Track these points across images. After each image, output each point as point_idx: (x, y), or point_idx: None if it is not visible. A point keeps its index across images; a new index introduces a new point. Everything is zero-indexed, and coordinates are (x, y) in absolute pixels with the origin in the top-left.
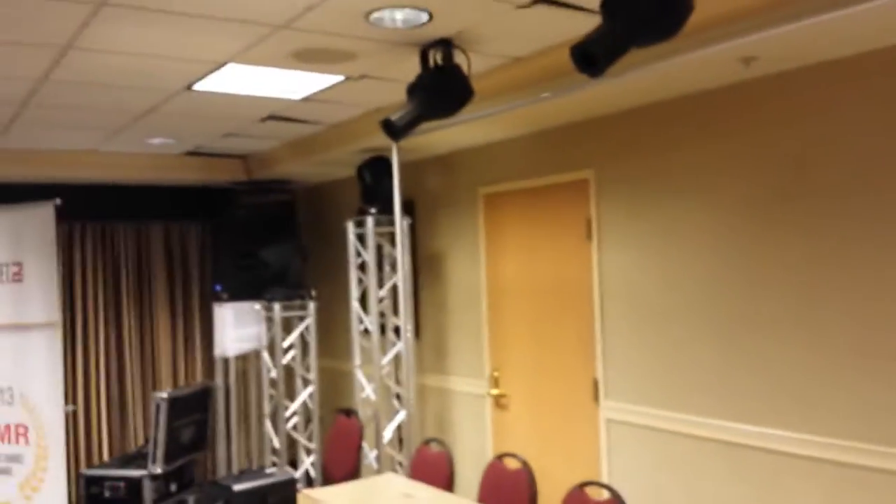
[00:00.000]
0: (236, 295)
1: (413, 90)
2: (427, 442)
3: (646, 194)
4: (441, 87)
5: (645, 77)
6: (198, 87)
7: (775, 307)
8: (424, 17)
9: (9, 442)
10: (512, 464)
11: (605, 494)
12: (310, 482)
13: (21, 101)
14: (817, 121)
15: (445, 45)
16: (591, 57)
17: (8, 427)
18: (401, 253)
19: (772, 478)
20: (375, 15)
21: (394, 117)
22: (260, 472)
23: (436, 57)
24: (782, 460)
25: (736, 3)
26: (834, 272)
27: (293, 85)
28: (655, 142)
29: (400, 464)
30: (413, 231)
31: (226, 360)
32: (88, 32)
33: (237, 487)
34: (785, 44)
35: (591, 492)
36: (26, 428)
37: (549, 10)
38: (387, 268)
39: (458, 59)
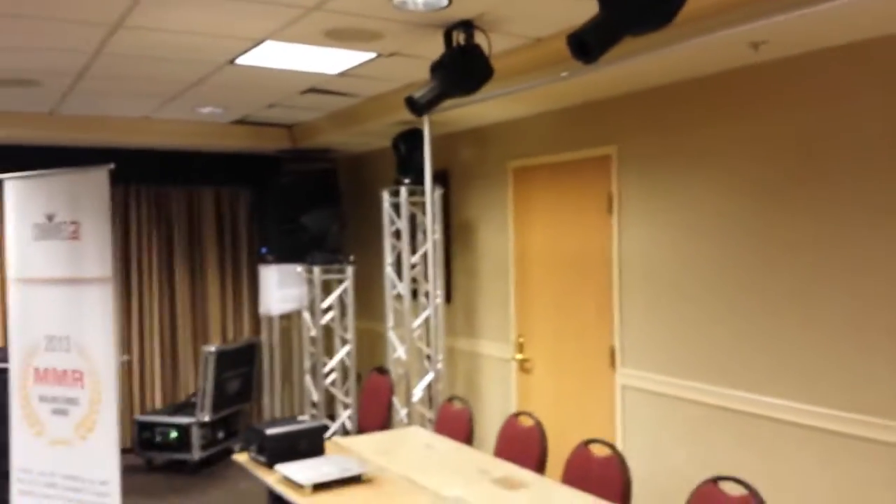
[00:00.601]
0: (280, 257)
1: (436, 69)
2: (450, 399)
3: (664, 171)
4: (462, 66)
5: (652, 60)
6: (240, 61)
7: (780, 284)
8: (445, 1)
9: (66, 385)
10: (526, 421)
11: (608, 451)
12: (346, 434)
13: (77, 73)
14: (825, 105)
15: (467, 26)
16: (585, 45)
17: (65, 372)
18: (430, 222)
19: (772, 444)
20: None
21: (417, 94)
22: (292, 420)
23: (458, 37)
24: (782, 428)
25: None
26: (834, 252)
27: (329, 60)
28: (675, 121)
29: (430, 420)
30: (446, 201)
31: (270, 319)
32: (136, 13)
33: (269, 431)
34: (793, 29)
35: (596, 449)
36: (82, 373)
37: None
38: (420, 235)
39: (480, 39)
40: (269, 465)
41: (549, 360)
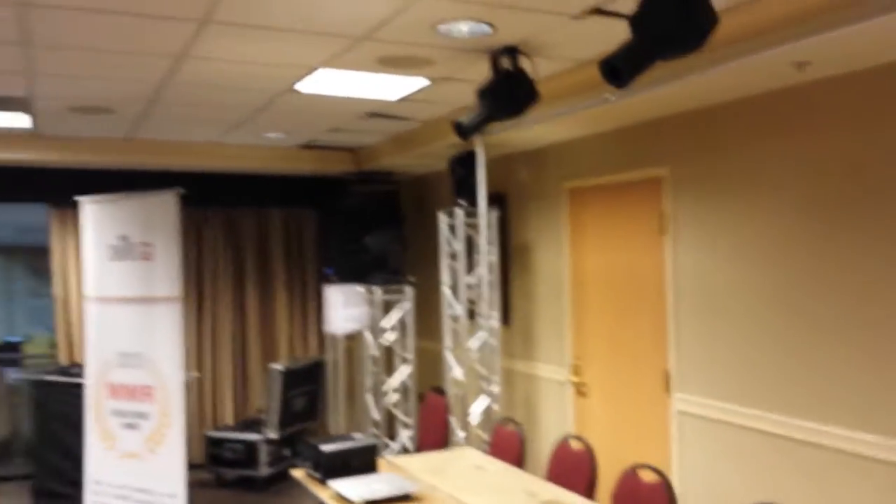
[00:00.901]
0: (344, 278)
1: (482, 93)
2: (503, 421)
3: (717, 192)
4: (507, 90)
5: (692, 83)
6: (300, 88)
7: (835, 308)
8: (487, 28)
9: (137, 400)
10: (577, 445)
11: (655, 477)
12: (406, 453)
13: (148, 100)
14: (873, 125)
15: (512, 51)
16: (616, 70)
17: (136, 387)
18: (484, 243)
19: (826, 473)
20: (442, 27)
21: (464, 119)
22: (347, 437)
23: (504, 62)
24: (839, 457)
25: (787, 8)
26: (891, 274)
27: (386, 87)
28: (725, 141)
29: (486, 442)
30: (504, 222)
31: (335, 337)
32: (198, 45)
33: (324, 448)
34: (835, 49)
35: (644, 474)
36: (152, 388)
37: (604, 19)
38: (476, 256)
39: (526, 63)
40: (323, 480)
41: (604, 383)
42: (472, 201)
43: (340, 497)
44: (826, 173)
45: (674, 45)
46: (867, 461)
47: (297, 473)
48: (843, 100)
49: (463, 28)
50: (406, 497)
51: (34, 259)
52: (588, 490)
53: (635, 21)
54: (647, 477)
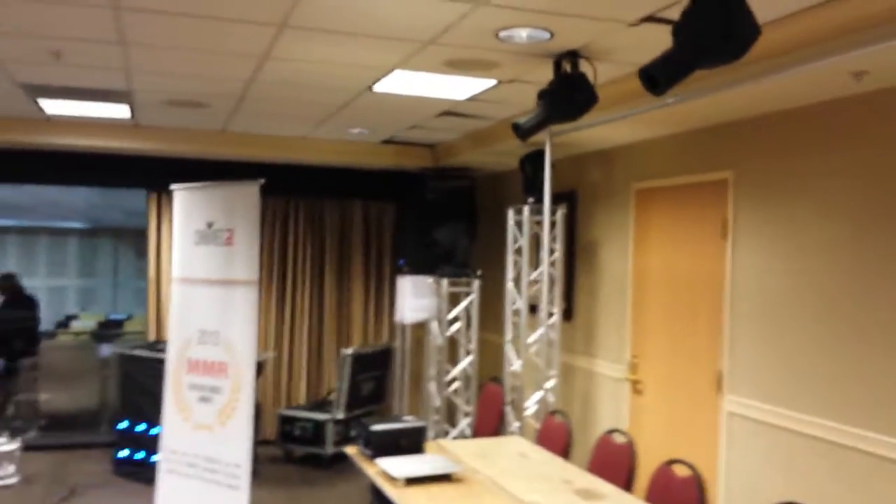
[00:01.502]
0: (416, 269)
1: (542, 95)
2: (553, 413)
3: (778, 198)
4: (566, 93)
5: (742, 92)
6: (377, 88)
7: (884, 319)
8: (546, 35)
9: (213, 375)
10: (620, 439)
11: (688, 472)
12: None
13: (238, 97)
14: None
15: (573, 55)
16: (653, 78)
17: (213, 363)
18: (547, 240)
19: (868, 479)
20: (503, 33)
21: (522, 121)
22: (398, 418)
23: (566, 66)
24: (882, 464)
25: (844, 18)
26: None
27: (455, 87)
28: (788, 147)
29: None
30: (572, 220)
31: (404, 326)
32: (279, 47)
33: (374, 428)
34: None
35: (678, 469)
36: (226, 365)
37: (663, 26)
38: (542, 253)
39: (587, 67)
40: (372, 458)
41: (659, 381)
42: (540, 198)
43: (385, 474)
44: (882, 184)
45: (712, 56)
46: None
47: (351, 451)
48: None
49: (523, 34)
50: (447, 477)
51: (140, 242)
52: (627, 483)
53: (677, 30)
54: (681, 472)
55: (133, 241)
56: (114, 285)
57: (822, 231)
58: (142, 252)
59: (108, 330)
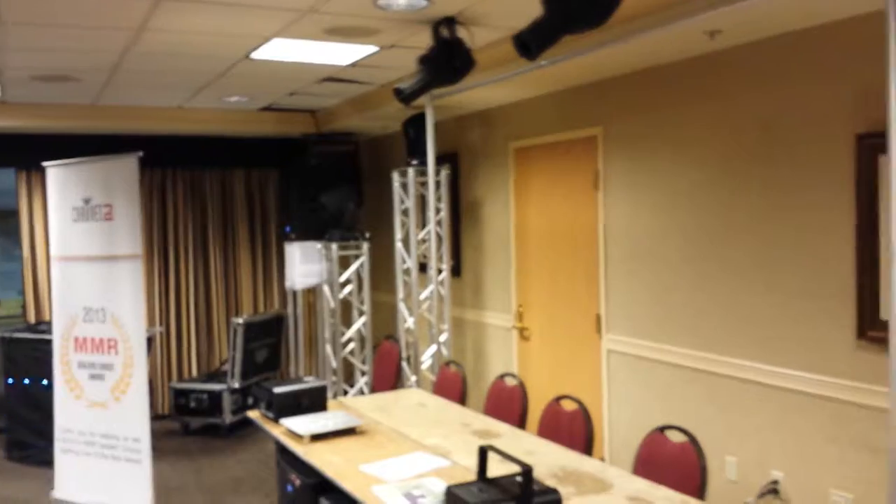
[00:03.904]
0: (303, 235)
1: (422, 61)
2: (447, 364)
3: (643, 150)
4: (444, 58)
5: (611, 52)
6: (255, 56)
7: (742, 254)
8: (423, 2)
9: (102, 352)
10: (511, 381)
11: (574, 406)
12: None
13: (110, 69)
14: (780, 87)
15: (450, 21)
16: (526, 44)
17: (102, 340)
18: (433, 200)
19: (734, 400)
20: (382, 1)
21: (403, 86)
22: (298, 380)
23: (444, 31)
24: (743, 386)
25: None
26: (787, 223)
27: (337, 54)
28: (652, 103)
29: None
30: (455, 180)
31: (294, 292)
32: (155, 19)
33: (276, 390)
34: (741, 18)
35: (565, 404)
36: (116, 341)
37: None
38: (429, 213)
39: (464, 33)
40: (276, 419)
41: (544, 327)
42: (424, 160)
43: (290, 433)
44: (739, 132)
45: (579, 22)
46: (765, 388)
47: (253, 414)
48: (754, 64)
49: (401, 2)
50: (351, 430)
51: (3, 222)
52: (520, 421)
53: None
54: (569, 406)
55: None
56: None
57: (683, 178)
58: (8, 232)
59: None
